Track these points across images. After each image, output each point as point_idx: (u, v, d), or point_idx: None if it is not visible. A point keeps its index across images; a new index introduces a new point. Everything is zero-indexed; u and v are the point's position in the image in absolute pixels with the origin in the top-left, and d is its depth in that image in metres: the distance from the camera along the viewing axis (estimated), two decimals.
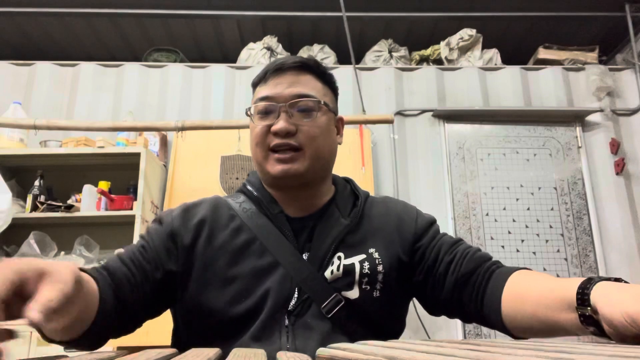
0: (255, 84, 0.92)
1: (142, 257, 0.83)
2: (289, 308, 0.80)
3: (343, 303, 0.81)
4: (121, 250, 0.87)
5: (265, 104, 0.86)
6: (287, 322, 0.80)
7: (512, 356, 0.35)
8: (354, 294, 0.83)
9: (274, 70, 0.87)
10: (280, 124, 0.83)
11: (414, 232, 0.91)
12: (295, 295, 0.81)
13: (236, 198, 0.93)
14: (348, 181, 1.01)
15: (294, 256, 0.84)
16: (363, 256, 0.86)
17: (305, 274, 0.82)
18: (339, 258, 0.85)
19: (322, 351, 0.50)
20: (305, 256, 0.84)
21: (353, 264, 0.84)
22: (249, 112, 0.90)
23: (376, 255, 0.87)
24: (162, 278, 0.83)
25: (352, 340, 0.79)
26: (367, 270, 0.84)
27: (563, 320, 0.64)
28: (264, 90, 0.88)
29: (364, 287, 0.84)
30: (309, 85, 0.88)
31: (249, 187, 0.94)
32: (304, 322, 0.80)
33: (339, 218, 0.89)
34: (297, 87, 0.87)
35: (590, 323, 0.58)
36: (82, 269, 0.67)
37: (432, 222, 0.94)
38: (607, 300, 0.56)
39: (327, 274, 0.83)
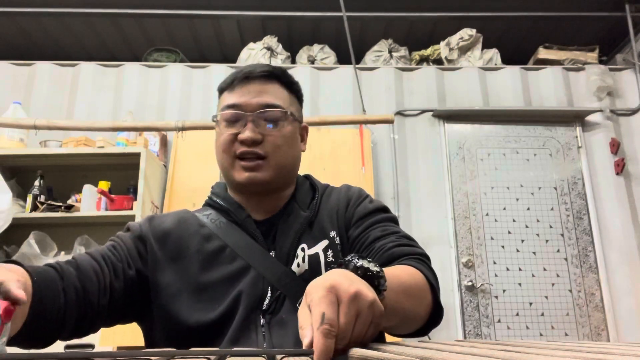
0: (221, 90, 0.93)
1: (113, 255, 0.83)
2: (263, 307, 0.81)
3: None
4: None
5: (232, 112, 0.88)
6: (262, 321, 0.80)
7: (549, 357, 0.35)
8: None
9: (242, 78, 0.89)
10: (247, 133, 0.85)
11: (351, 217, 0.91)
12: (269, 295, 0.82)
13: (204, 211, 0.95)
14: (307, 177, 1.02)
15: (263, 257, 0.85)
16: (326, 242, 0.87)
17: (276, 271, 0.84)
18: (303, 250, 0.86)
19: (354, 351, 0.50)
20: (272, 254, 0.86)
21: (317, 254, 0.86)
22: (215, 119, 0.92)
23: (337, 240, 0.88)
24: (133, 277, 0.83)
25: None
26: (331, 258, 0.86)
27: None
28: (231, 98, 0.89)
29: None
30: (276, 95, 0.90)
31: (214, 199, 0.95)
32: (279, 319, 0.81)
33: (299, 212, 0.91)
34: (264, 96, 0.88)
35: None
36: (26, 267, 0.68)
37: (373, 210, 0.92)
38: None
39: (294, 267, 0.85)
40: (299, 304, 0.80)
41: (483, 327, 2.87)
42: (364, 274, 0.59)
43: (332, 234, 0.89)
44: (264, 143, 0.87)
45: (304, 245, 0.87)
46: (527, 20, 3.54)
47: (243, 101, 0.87)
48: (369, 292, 0.55)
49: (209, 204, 0.96)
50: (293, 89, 0.95)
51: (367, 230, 0.88)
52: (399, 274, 0.71)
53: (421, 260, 0.80)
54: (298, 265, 0.85)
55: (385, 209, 0.94)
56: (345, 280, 0.54)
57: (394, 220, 0.93)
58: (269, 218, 0.92)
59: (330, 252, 0.86)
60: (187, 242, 0.88)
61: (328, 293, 0.52)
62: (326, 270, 0.83)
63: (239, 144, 0.87)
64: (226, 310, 0.81)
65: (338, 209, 0.92)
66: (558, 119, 3.26)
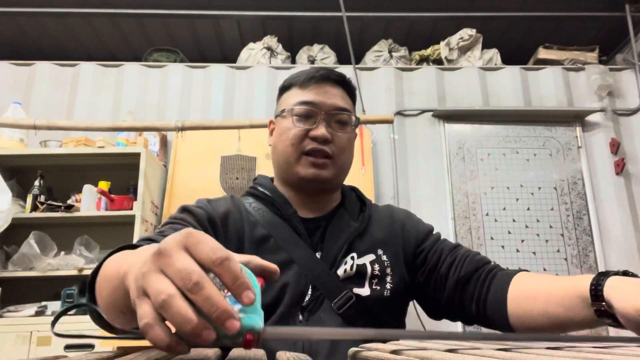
0: (288, 86, 0.97)
1: None
2: (303, 304, 0.83)
3: (354, 300, 0.84)
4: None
5: (307, 108, 0.91)
6: (300, 317, 0.82)
7: (549, 357, 0.35)
8: (365, 291, 0.86)
9: (320, 79, 0.93)
10: (321, 131, 0.89)
11: (416, 235, 0.96)
12: (309, 292, 0.84)
13: (245, 199, 0.97)
14: (353, 189, 1.06)
15: (307, 254, 0.87)
16: (372, 257, 0.90)
17: (318, 270, 0.85)
18: (352, 258, 0.89)
19: (353, 351, 0.50)
20: (318, 255, 0.88)
21: (365, 264, 0.88)
22: (282, 113, 0.94)
23: (384, 257, 0.91)
24: None
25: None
26: (377, 272, 0.88)
27: (577, 316, 0.67)
28: (304, 95, 0.92)
29: (374, 287, 0.87)
30: (345, 100, 0.95)
31: (260, 189, 0.96)
32: (317, 318, 0.82)
33: (349, 221, 0.94)
34: (338, 99, 0.93)
35: (605, 316, 0.62)
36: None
37: (432, 229, 1.01)
38: (619, 295, 0.59)
39: (340, 272, 0.87)
40: (334, 305, 0.83)
41: (484, 328, 2.86)
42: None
43: (380, 252, 0.91)
44: (333, 143, 0.91)
45: (354, 254, 0.89)
46: (527, 20, 3.54)
47: (319, 100, 0.91)
48: None
49: (253, 193, 0.97)
50: (354, 99, 1.00)
51: (437, 244, 0.94)
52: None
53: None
54: (345, 271, 0.87)
55: (434, 229, 1.02)
56: None
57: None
58: (315, 218, 0.94)
59: (376, 266, 0.89)
60: (241, 226, 0.89)
61: None
62: (370, 281, 0.87)
63: (310, 140, 0.90)
64: (272, 299, 0.82)
65: (391, 231, 0.95)
66: (558, 119, 3.26)
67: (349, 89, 0.97)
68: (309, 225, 0.91)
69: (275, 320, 0.81)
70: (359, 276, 0.87)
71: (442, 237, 0.98)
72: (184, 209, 0.86)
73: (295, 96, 0.93)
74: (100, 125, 2.51)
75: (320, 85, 0.92)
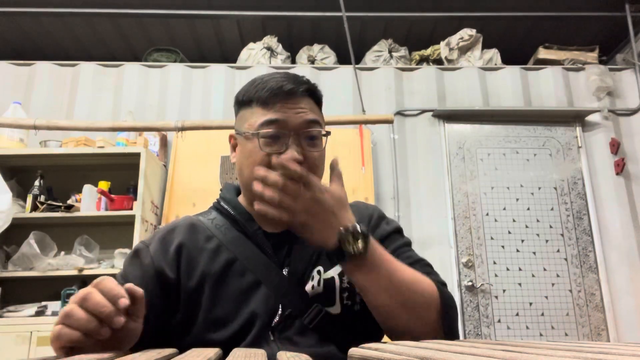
0: (248, 102, 0.86)
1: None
2: (273, 324, 0.80)
3: (324, 313, 0.80)
4: None
5: (275, 129, 0.81)
6: (272, 337, 0.79)
7: (549, 357, 0.35)
8: (335, 309, 0.82)
9: (286, 94, 0.83)
10: (291, 154, 0.79)
11: (382, 231, 0.91)
12: (279, 312, 0.80)
13: (207, 215, 0.92)
14: None
15: (274, 273, 0.82)
16: (340, 268, 0.85)
17: (287, 290, 0.81)
18: (319, 272, 0.84)
19: (354, 351, 0.50)
20: (285, 272, 0.83)
21: (333, 278, 0.84)
22: (247, 134, 0.83)
23: None
24: (158, 309, 0.80)
25: (340, 350, 0.78)
26: (346, 284, 0.84)
27: None
28: (269, 113, 0.82)
29: (345, 302, 0.83)
30: (315, 111, 0.86)
31: (223, 205, 0.91)
32: (288, 337, 0.79)
33: None
34: (306, 113, 0.83)
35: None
36: None
37: (400, 229, 0.94)
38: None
39: (308, 288, 0.82)
40: (305, 321, 0.79)
41: (483, 327, 2.87)
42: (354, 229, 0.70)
43: None
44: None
45: (320, 268, 0.84)
46: (527, 20, 3.54)
47: (286, 117, 0.81)
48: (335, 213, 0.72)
49: (217, 208, 0.92)
50: (321, 103, 0.90)
51: (400, 248, 0.88)
52: (405, 268, 0.76)
53: (443, 285, 0.83)
54: (312, 287, 0.82)
55: (401, 231, 0.94)
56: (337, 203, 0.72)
57: (410, 244, 0.93)
58: (281, 232, 0.88)
59: (345, 278, 0.84)
60: (197, 257, 0.84)
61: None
62: (341, 295, 0.83)
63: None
64: (239, 329, 0.79)
65: None
66: (558, 119, 3.26)
67: (316, 96, 0.88)
68: (275, 240, 0.86)
69: (248, 343, 0.78)
70: (328, 291, 0.82)
71: (403, 246, 0.90)
72: (134, 253, 0.85)
73: (259, 115, 0.82)
74: (100, 125, 2.52)
75: (287, 101, 0.82)
